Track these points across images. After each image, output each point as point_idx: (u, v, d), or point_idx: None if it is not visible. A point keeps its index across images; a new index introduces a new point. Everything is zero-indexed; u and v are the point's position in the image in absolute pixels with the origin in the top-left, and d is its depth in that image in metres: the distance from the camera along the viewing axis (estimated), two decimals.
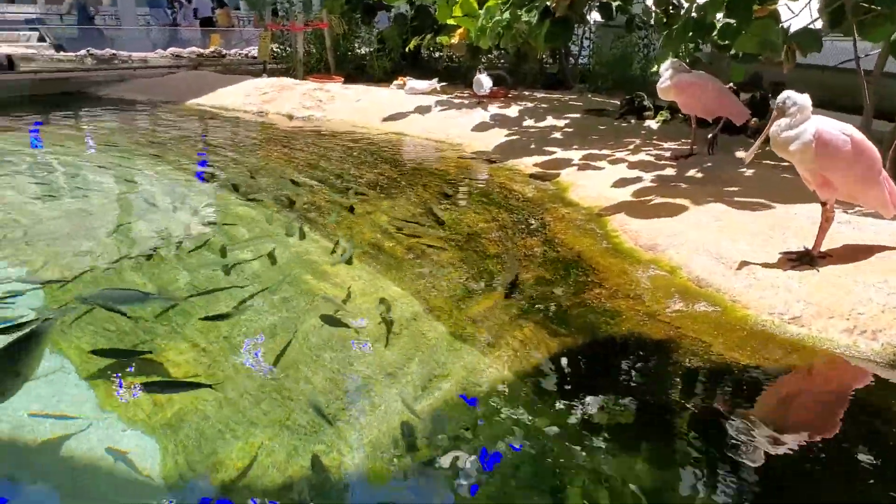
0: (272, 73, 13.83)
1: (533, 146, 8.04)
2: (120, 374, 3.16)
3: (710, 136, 6.92)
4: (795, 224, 4.71)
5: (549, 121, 9.25)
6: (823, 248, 4.11)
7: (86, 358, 3.28)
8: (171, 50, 15.31)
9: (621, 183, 6.18)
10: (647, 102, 9.23)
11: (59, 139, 8.80)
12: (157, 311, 3.79)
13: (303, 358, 3.37)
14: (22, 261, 4.48)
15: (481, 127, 9.18)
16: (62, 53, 13.68)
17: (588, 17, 11.12)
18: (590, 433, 2.79)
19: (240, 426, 2.82)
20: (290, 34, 14.45)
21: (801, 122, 3.79)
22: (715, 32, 6.63)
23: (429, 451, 2.69)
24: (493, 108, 9.99)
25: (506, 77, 11.83)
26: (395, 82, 12.11)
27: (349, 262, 4.62)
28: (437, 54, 14.89)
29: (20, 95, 12.20)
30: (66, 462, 2.61)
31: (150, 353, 3.36)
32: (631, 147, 7.57)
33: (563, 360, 3.43)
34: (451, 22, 10.20)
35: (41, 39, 16.23)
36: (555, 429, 2.81)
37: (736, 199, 5.39)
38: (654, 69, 7.80)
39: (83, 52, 13.43)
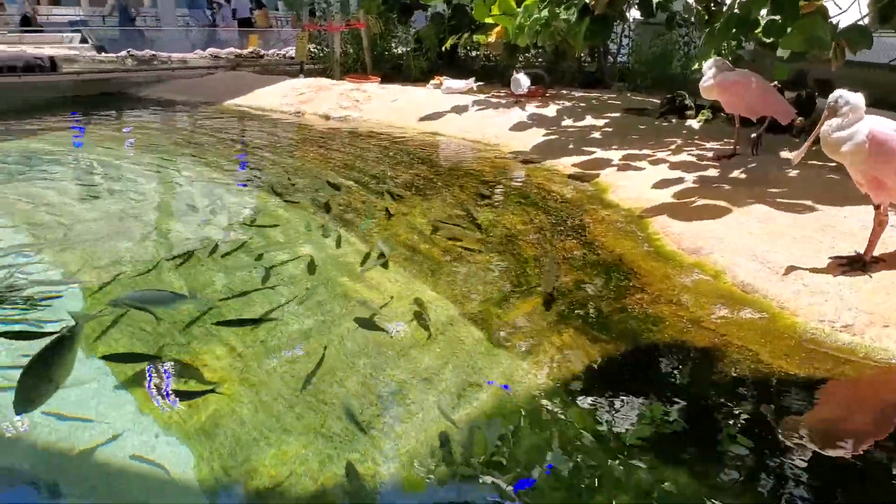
0: (309, 74, 13.87)
1: (571, 146, 7.93)
2: (155, 377, 3.15)
3: (753, 135, 6.75)
4: (845, 227, 4.55)
5: (588, 120, 9.12)
6: (876, 253, 3.95)
7: (119, 361, 3.28)
8: (210, 50, 15.51)
9: (662, 184, 6.05)
10: (688, 101, 9.05)
11: (100, 140, 8.90)
12: (193, 313, 3.78)
13: (338, 363, 3.33)
14: (62, 262, 4.51)
15: (519, 126, 9.08)
16: (103, 54, 13.93)
17: (627, 14, 10.96)
18: (633, 445, 2.69)
19: (273, 433, 2.78)
20: (327, 34, 14.48)
21: (854, 123, 3.64)
22: (759, 29, 6.47)
23: (466, 462, 2.62)
24: (531, 108, 9.88)
25: (543, 76, 11.71)
26: (431, 82, 12.07)
27: (385, 265, 4.57)
28: (473, 53, 14.79)
29: (62, 96, 12.38)
30: (101, 467, 2.60)
31: (163, 356, 3.35)
32: (672, 147, 7.41)
33: (604, 368, 3.34)
34: (488, 20, 10.10)
35: (83, 41, 16.50)
36: (596, 440, 2.73)
37: (782, 200, 5.23)
38: (696, 67, 7.65)
39: (124, 52, 13.66)
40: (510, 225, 5.41)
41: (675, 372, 3.38)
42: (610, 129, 8.56)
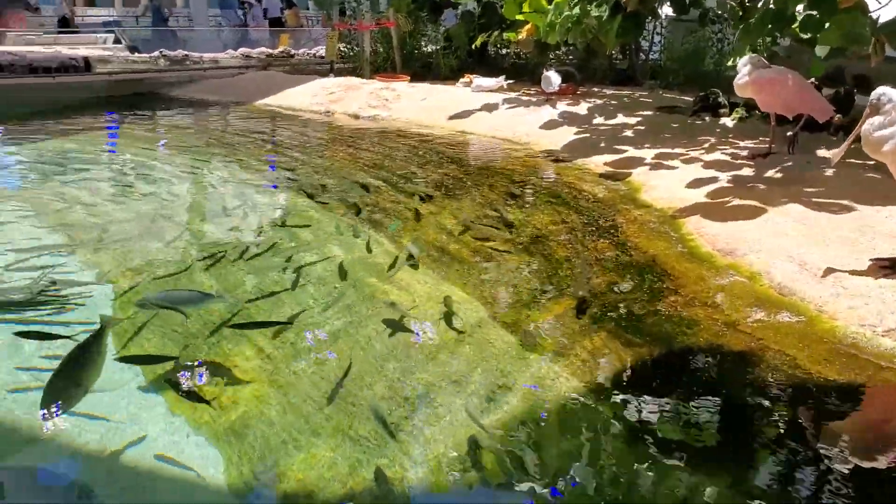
0: (339, 73, 13.91)
1: (603, 144, 7.83)
2: (188, 378, 3.16)
3: (790, 133, 6.61)
4: (886, 228, 4.43)
5: (620, 118, 9.01)
6: None
7: (147, 363, 3.29)
8: (241, 50, 15.59)
9: (696, 183, 5.94)
10: (721, 99, 8.90)
11: (133, 140, 9.01)
12: (223, 313, 3.79)
13: (366, 365, 3.31)
14: (95, 262, 4.55)
15: (549, 125, 9.00)
16: (136, 55, 14.07)
17: (659, 10, 10.83)
18: (666, 452, 2.63)
19: (302, 435, 2.77)
20: (357, 33, 14.52)
21: None
22: (796, 25, 6.34)
23: (496, 467, 2.58)
24: (562, 106, 9.79)
25: (574, 73, 11.60)
26: (461, 80, 12.03)
27: (415, 266, 4.55)
28: (503, 51, 14.71)
29: (96, 96, 12.55)
30: (132, 469, 2.60)
31: (192, 357, 3.35)
32: (706, 146, 7.29)
33: (638, 372, 3.27)
34: (518, 18, 10.04)
35: (117, 41, 16.70)
36: (628, 446, 2.68)
37: (819, 200, 5.11)
38: (730, 63, 7.53)
39: (156, 53, 13.79)
40: (541, 225, 5.35)
41: (710, 377, 3.31)
42: (642, 128, 8.45)
